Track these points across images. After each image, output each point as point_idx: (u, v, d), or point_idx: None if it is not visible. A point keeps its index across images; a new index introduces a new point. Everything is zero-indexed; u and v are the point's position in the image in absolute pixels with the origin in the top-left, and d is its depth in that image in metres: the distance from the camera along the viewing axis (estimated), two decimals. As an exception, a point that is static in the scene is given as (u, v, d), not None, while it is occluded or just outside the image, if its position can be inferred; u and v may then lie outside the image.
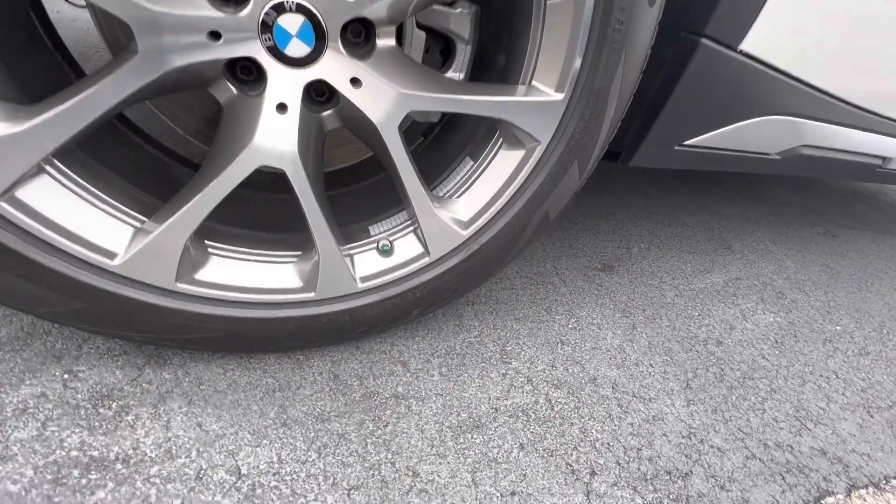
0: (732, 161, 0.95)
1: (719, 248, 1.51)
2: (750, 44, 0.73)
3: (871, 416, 0.94)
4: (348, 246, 0.74)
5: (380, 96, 0.60)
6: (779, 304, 1.27)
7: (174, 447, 0.62)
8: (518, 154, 0.70)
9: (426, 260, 0.74)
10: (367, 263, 0.74)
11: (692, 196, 1.89)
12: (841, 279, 1.48)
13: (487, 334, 0.92)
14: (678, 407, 0.85)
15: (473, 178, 0.73)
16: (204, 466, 0.60)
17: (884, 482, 0.80)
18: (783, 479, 0.76)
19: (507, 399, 0.79)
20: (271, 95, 0.57)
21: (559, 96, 0.64)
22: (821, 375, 1.04)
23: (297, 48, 0.55)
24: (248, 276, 0.68)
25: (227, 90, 0.58)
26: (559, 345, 0.94)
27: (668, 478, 0.72)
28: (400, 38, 0.69)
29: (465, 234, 0.73)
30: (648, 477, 0.71)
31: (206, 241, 0.67)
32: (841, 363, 1.09)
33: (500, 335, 0.93)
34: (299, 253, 0.72)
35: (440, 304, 0.81)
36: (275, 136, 0.58)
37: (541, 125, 0.66)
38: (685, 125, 0.83)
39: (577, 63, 0.62)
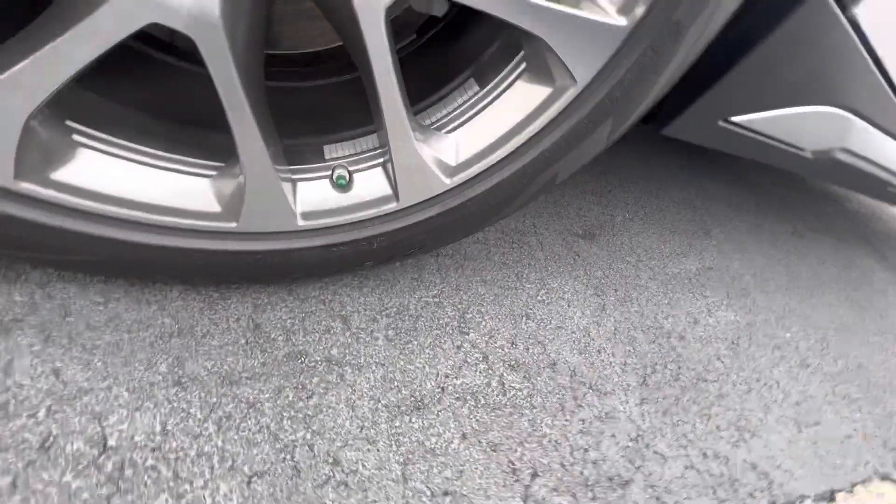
0: (763, 150, 0.81)
1: (698, 232, 1.45)
2: (864, 10, 0.56)
3: (800, 432, 0.96)
4: (291, 168, 0.55)
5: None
6: (742, 302, 1.25)
7: (13, 402, 0.46)
8: (542, 92, 0.52)
9: (392, 206, 0.57)
10: (313, 196, 0.56)
11: (684, 167, 1.78)
12: (799, 283, 1.49)
13: (448, 295, 0.79)
14: (631, 405, 0.80)
15: (475, 111, 0.55)
16: (54, 432, 0.45)
17: (799, 501, 0.82)
18: (714, 492, 0.75)
19: (457, 378, 0.69)
20: None
21: (621, 21, 0.45)
22: (765, 384, 1.03)
23: None
24: (139, 185, 0.48)
25: None
26: (524, 319, 0.84)
27: (608, 485, 0.67)
28: None
29: (449, 182, 0.56)
30: (590, 483, 0.66)
31: (71, 124, 0.45)
32: (784, 372, 1.09)
33: (462, 298, 0.80)
34: (220, 165, 0.52)
35: (400, 258, 0.66)
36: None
37: (584, 57, 0.47)
38: (742, 96, 0.66)
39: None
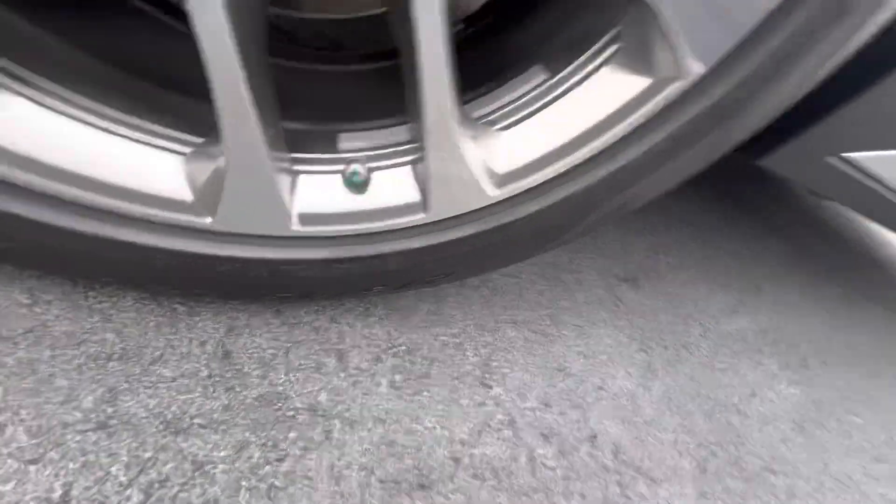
0: (871, 199, 0.67)
1: (749, 287, 1.29)
2: None
3: (888, 550, 0.77)
4: (293, 157, 0.42)
5: None
6: (801, 374, 1.07)
7: None
8: (636, 84, 0.39)
9: (419, 217, 0.44)
10: (318, 194, 0.43)
11: (725, 215, 1.64)
12: (859, 358, 1.31)
13: (471, 336, 0.65)
14: (690, 499, 0.63)
15: (538, 105, 0.42)
16: None
17: None
18: None
19: (475, 446, 0.53)
20: None
21: (767, -8, 0.32)
22: (838, 480, 0.85)
23: None
24: (85, 153, 0.36)
25: None
26: (559, 373, 0.68)
27: None
28: None
29: (495, 194, 0.43)
30: None
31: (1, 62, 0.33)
32: (858, 468, 0.91)
33: (488, 341, 0.66)
34: (197, 141, 0.39)
35: (418, 285, 0.52)
36: None
37: (705, 39, 0.34)
38: (865, 129, 0.52)
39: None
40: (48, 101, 0.34)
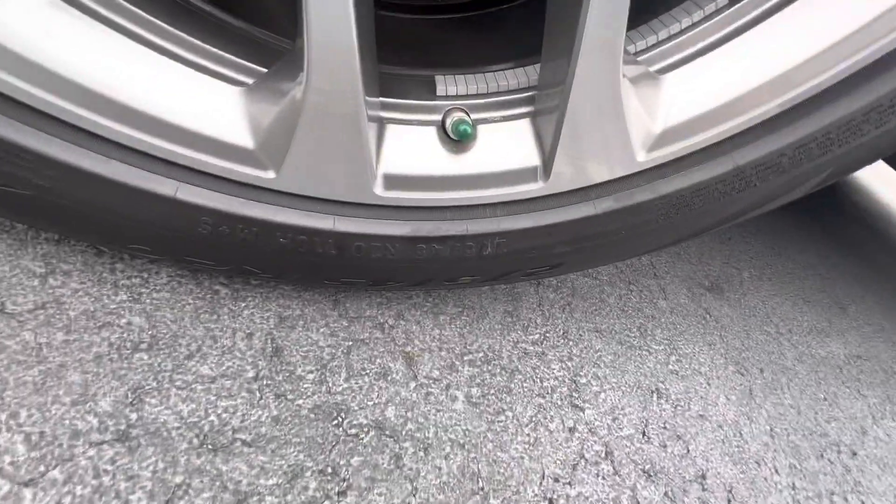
0: None
1: (833, 307, 1.16)
2: None
3: None
4: (382, 101, 0.32)
5: None
6: (906, 409, 0.93)
7: None
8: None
9: (535, 187, 0.34)
10: (409, 151, 0.33)
11: (798, 226, 1.50)
12: (960, 392, 1.15)
13: (554, 345, 0.54)
14: (820, 563, 0.51)
15: (718, 35, 0.31)
16: None
17: None
18: None
19: (571, 483, 0.43)
20: None
21: None
22: (971, 542, 0.71)
23: None
24: (121, 74, 0.26)
25: None
26: (654, 395, 0.57)
27: None
28: None
29: (643, 160, 0.32)
30: None
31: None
32: None
33: (573, 352, 0.55)
34: (261, 71, 0.30)
35: (515, 278, 0.42)
36: None
37: None
38: None
39: None
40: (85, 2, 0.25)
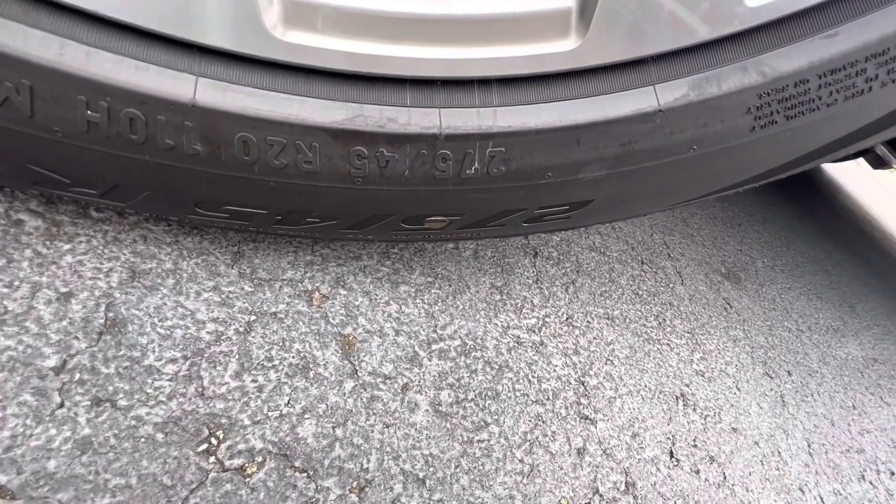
0: None
1: (843, 305, 1.08)
2: None
3: None
4: None
5: None
6: (927, 419, 0.84)
7: None
8: None
9: (562, 47, 0.19)
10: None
11: (803, 220, 1.43)
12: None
13: (554, 332, 0.40)
14: None
15: None
16: None
17: None
18: None
19: (583, 535, 0.29)
20: None
21: None
22: None
23: None
24: None
25: None
26: (681, 402, 0.44)
27: None
28: None
29: (757, 3, 0.18)
30: None
31: None
32: None
33: (580, 344, 0.41)
34: None
35: (512, 227, 0.27)
36: None
37: None
38: None
39: None
40: None
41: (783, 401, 0.57)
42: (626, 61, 0.20)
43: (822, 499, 0.48)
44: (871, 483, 0.55)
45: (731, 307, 0.65)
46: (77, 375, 0.21)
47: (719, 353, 0.55)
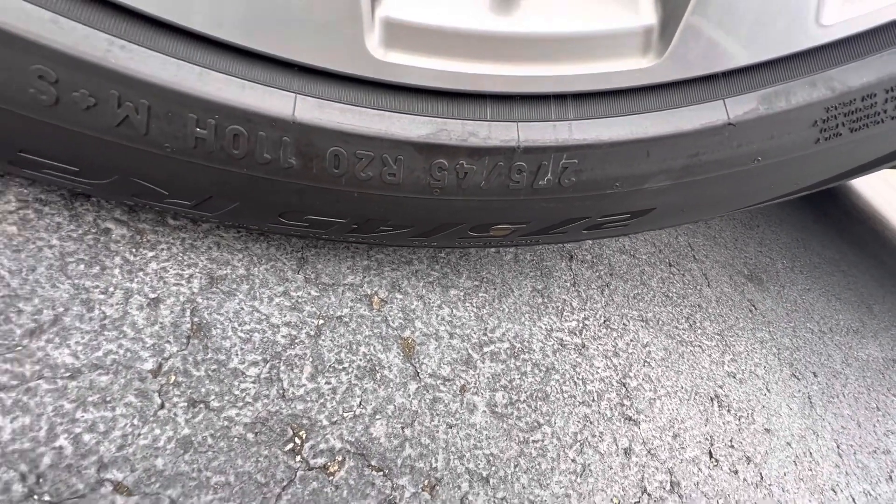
0: None
1: (861, 306, 1.08)
2: None
3: None
4: None
5: None
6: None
7: None
8: None
9: (640, 65, 0.20)
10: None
11: (817, 220, 1.43)
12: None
13: (594, 335, 0.41)
14: None
15: None
16: None
17: None
18: None
19: (636, 533, 0.30)
20: None
21: None
22: None
23: None
24: None
25: None
26: (715, 403, 0.45)
27: None
28: None
29: (831, 21, 0.19)
30: None
31: None
32: None
33: (619, 346, 0.42)
34: None
35: (573, 234, 0.28)
36: None
37: None
38: None
39: None
40: None
41: (811, 402, 0.57)
42: (699, 77, 0.21)
43: (853, 499, 0.48)
44: (898, 483, 0.56)
45: (755, 308, 0.66)
46: (172, 378, 0.22)
47: (748, 354, 0.56)
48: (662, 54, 0.20)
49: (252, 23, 0.18)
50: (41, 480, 0.18)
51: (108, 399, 0.20)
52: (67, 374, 0.20)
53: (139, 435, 0.20)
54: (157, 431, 0.20)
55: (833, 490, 0.47)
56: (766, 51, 0.20)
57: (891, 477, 0.56)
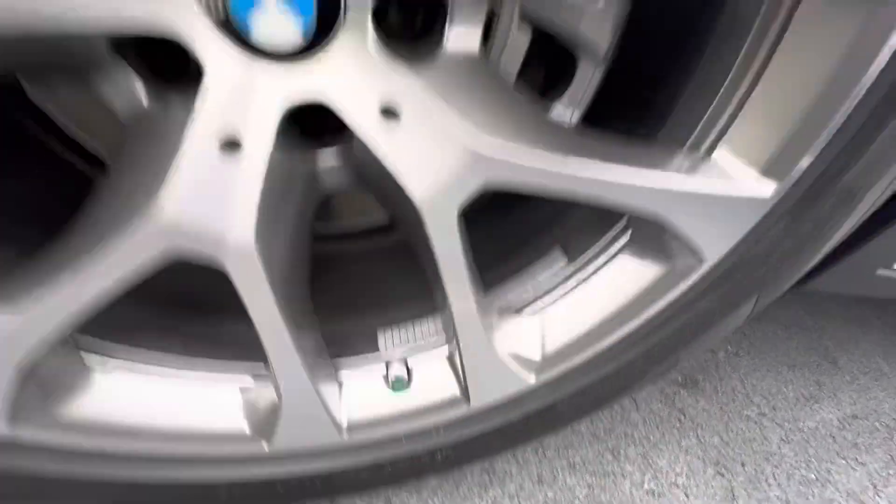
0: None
1: (823, 363, 1.18)
2: None
3: None
4: (337, 361, 0.44)
5: (433, 148, 0.30)
6: (913, 466, 0.93)
7: None
8: (653, 272, 0.40)
9: (462, 411, 0.44)
10: (364, 400, 0.44)
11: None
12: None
13: (529, 493, 0.61)
14: None
15: (564, 291, 0.43)
16: None
17: None
18: None
19: None
20: (210, 117, 0.27)
21: (765, 190, 0.34)
22: None
23: (278, 29, 0.26)
24: (157, 407, 0.39)
25: (130, 94, 0.29)
26: (632, 525, 0.63)
27: None
28: (486, 37, 0.38)
29: (535, 381, 0.43)
30: None
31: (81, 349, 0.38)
32: None
33: (548, 497, 0.62)
34: (258, 368, 0.43)
35: (467, 464, 0.51)
36: (210, 200, 0.29)
37: (715, 234, 0.36)
38: (906, 241, 0.51)
39: (827, 133, 0.31)
40: (129, 364, 0.38)
41: (733, 495, 0.73)
42: (490, 406, 0.45)
43: (766, 578, 0.63)
44: (826, 553, 0.69)
45: (685, 416, 0.83)
46: None
47: (670, 468, 0.73)
48: (471, 403, 0.44)
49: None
50: None
51: None
52: None
53: None
54: None
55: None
56: (509, 389, 0.45)
57: (817, 548, 0.69)
